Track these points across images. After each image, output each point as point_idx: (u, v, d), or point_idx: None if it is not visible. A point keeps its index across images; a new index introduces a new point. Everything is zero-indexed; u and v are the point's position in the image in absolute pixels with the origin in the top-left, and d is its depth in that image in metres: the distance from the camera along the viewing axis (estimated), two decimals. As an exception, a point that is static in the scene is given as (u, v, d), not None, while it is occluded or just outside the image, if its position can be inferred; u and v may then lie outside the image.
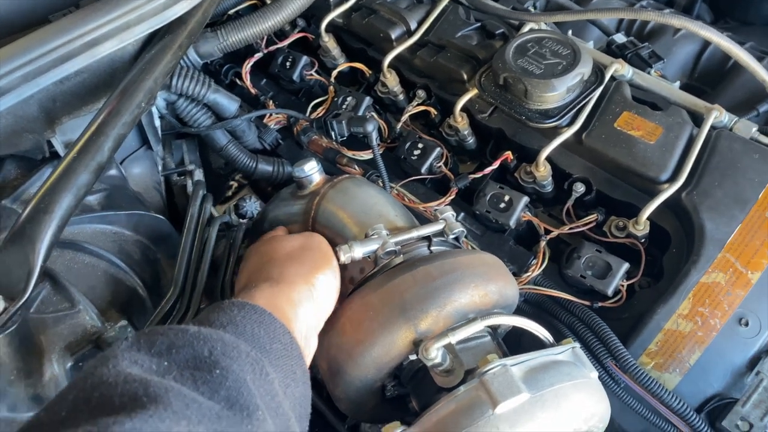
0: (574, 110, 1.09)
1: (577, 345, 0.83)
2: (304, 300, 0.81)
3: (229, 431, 0.54)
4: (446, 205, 1.16)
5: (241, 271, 0.93)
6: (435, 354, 0.79)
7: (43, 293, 0.80)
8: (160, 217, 1.02)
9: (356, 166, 1.25)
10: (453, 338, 0.79)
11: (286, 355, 0.71)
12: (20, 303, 0.73)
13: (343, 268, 0.93)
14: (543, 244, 1.07)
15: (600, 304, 1.01)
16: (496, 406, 0.72)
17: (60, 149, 1.00)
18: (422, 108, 1.28)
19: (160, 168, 1.23)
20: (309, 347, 0.81)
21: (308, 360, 0.79)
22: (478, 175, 1.16)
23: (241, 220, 1.02)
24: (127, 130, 0.91)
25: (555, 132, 1.10)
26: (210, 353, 0.61)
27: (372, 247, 0.90)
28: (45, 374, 0.78)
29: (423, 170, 1.21)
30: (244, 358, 0.63)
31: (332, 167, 1.27)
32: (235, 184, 1.37)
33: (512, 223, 1.09)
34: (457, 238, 0.97)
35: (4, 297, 0.74)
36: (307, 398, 0.74)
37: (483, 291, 0.85)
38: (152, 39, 1.04)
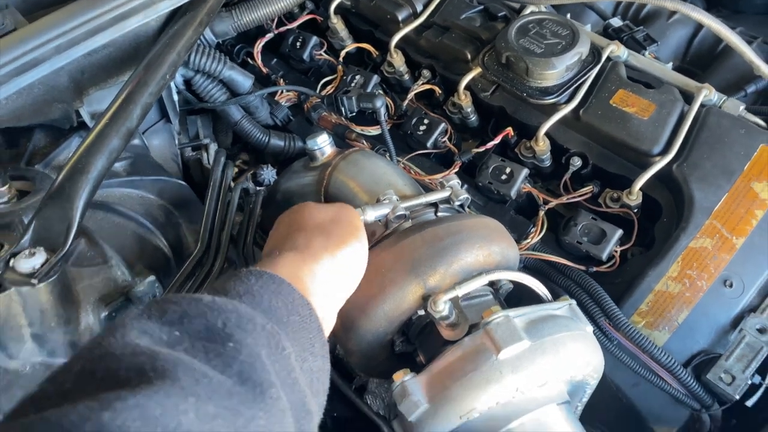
0: (573, 88, 1.15)
1: (574, 302, 0.90)
2: (328, 273, 0.79)
3: (240, 409, 0.51)
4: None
5: (269, 237, 0.92)
6: (443, 307, 0.85)
7: (78, 248, 0.86)
8: (183, 183, 1.09)
9: (365, 141, 1.31)
10: (460, 291, 0.85)
11: (305, 328, 0.69)
12: (61, 254, 0.79)
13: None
14: (542, 213, 1.14)
15: (595, 269, 1.08)
16: (499, 352, 0.78)
17: (87, 119, 1.06)
18: (427, 87, 1.34)
19: (176, 141, 1.28)
20: (327, 322, 0.79)
21: (326, 335, 0.77)
22: (481, 149, 1.23)
23: (258, 188, 1.08)
24: (153, 100, 0.97)
25: (554, 108, 1.16)
26: (224, 325, 0.58)
27: (383, 211, 0.95)
28: (81, 323, 0.84)
29: (428, 145, 1.27)
30: (260, 331, 0.61)
31: (341, 142, 1.33)
32: (236, 170, 1.43)
33: (513, 193, 1.15)
34: (462, 205, 1.03)
35: (45, 249, 0.80)
36: (325, 372, 0.72)
37: (487, 251, 0.91)
38: (174, 15, 1.09)
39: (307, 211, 0.91)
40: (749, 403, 1.01)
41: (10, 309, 0.78)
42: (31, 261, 0.78)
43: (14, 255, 0.79)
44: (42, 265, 0.78)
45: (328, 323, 0.79)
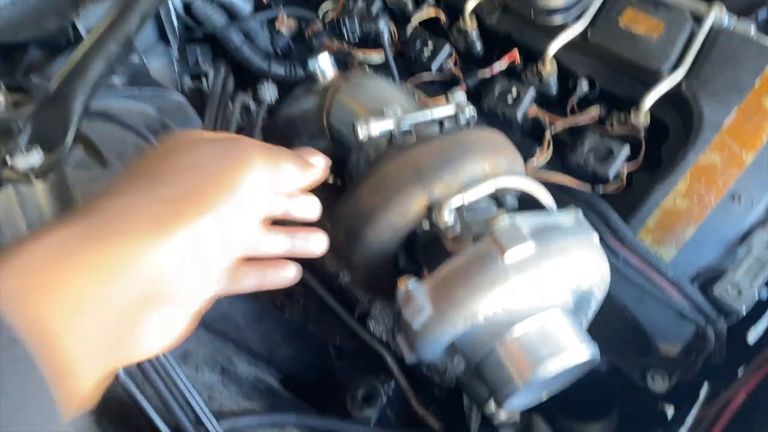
0: (580, 5, 1.13)
1: (580, 211, 0.88)
2: (127, 269, 0.49)
3: None
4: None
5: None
6: (448, 216, 0.84)
7: (77, 154, 0.85)
8: (183, 99, 1.07)
9: (367, 69, 1.29)
10: (466, 198, 0.84)
11: None
12: (60, 154, 0.78)
13: (358, 147, 0.98)
14: (548, 134, 1.12)
15: (601, 190, 1.07)
16: (504, 254, 0.77)
17: (84, 35, 1.04)
18: (432, 12, 1.31)
19: (176, 67, 1.26)
20: (90, 357, 0.47)
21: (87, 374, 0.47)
22: (486, 71, 1.20)
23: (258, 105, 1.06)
24: (152, 10, 0.93)
25: (562, 29, 1.14)
26: None
27: (387, 124, 0.94)
28: (81, 228, 0.83)
29: (433, 69, 1.24)
30: None
31: (344, 69, 1.30)
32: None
33: (519, 115, 1.13)
34: (468, 123, 1.02)
35: (43, 149, 0.79)
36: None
37: (493, 162, 0.90)
38: (172, -71, 1.07)
39: (173, 147, 0.61)
40: (751, 340, 1.00)
41: (9, 209, 0.77)
42: (29, 158, 0.76)
43: (11, 154, 0.77)
44: (40, 164, 0.77)
45: (102, 356, 0.49)
